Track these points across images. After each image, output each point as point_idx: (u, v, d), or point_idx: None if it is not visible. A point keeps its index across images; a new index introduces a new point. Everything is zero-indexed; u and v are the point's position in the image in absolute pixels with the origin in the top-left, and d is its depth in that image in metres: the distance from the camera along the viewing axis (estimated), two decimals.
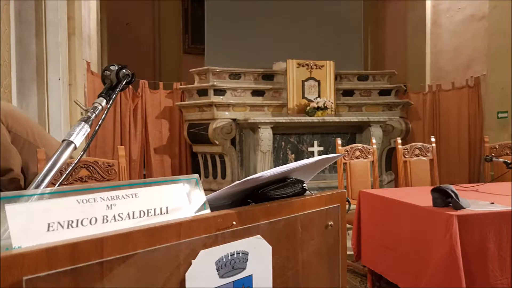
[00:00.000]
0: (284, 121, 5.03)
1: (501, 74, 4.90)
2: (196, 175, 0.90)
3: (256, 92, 5.46)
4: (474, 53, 5.75)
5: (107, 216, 0.73)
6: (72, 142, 0.92)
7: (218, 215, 0.81)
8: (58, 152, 0.90)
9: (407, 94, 6.17)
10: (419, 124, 6.13)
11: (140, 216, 0.77)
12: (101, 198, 0.74)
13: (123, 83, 1.06)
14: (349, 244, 2.56)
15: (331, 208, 1.07)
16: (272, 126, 4.92)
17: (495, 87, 5.04)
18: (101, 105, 1.02)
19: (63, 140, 0.93)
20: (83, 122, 0.96)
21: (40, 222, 0.65)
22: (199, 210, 0.85)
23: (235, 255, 0.83)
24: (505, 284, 1.90)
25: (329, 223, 1.06)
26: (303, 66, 5.40)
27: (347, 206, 1.11)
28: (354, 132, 5.49)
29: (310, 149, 5.23)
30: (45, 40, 3.35)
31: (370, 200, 2.65)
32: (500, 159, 2.98)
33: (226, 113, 5.19)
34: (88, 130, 0.97)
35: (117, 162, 2.14)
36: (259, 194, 0.94)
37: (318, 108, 5.16)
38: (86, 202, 0.72)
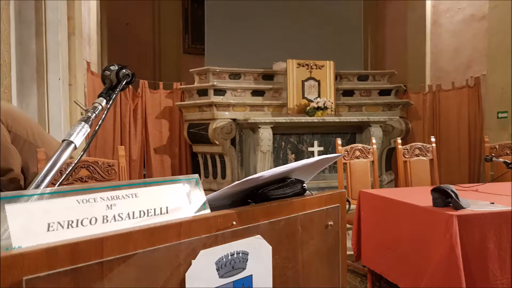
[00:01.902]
0: (284, 121, 5.03)
1: (501, 74, 4.90)
2: (196, 175, 0.90)
3: (256, 92, 5.46)
4: (474, 53, 5.75)
5: (107, 216, 0.73)
6: (72, 142, 0.92)
7: (218, 215, 0.81)
8: (58, 152, 0.90)
9: (407, 94, 6.17)
10: (419, 124, 6.13)
11: (140, 216, 0.77)
12: (101, 198, 0.74)
13: (123, 83, 1.06)
14: (349, 244, 2.56)
15: (331, 208, 1.07)
16: (272, 126, 4.92)
17: (495, 87, 5.04)
18: (101, 105, 1.02)
19: (63, 140, 0.92)
20: (83, 122, 0.96)
21: (40, 222, 0.65)
22: (199, 210, 0.85)
23: (235, 255, 0.83)
24: (505, 284, 1.90)
25: (329, 223, 1.06)
26: (303, 66, 5.41)
27: (347, 206, 1.11)
28: (354, 132, 5.49)
29: (310, 149, 5.23)
30: (45, 40, 3.35)
31: (370, 200, 2.65)
32: (500, 159, 2.97)
33: (226, 113, 5.19)
34: (88, 130, 0.97)
35: (117, 162, 2.14)
36: (259, 194, 0.94)
37: (318, 108, 5.16)
38: (86, 202, 0.72)
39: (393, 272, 2.34)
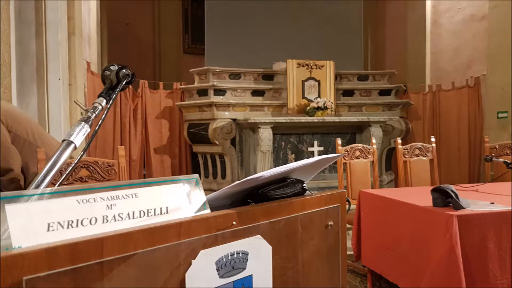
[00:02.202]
0: (284, 121, 5.03)
1: (501, 74, 4.90)
2: (196, 175, 0.90)
3: (256, 92, 5.46)
4: (474, 53, 5.75)
5: (107, 216, 0.73)
6: (72, 142, 0.92)
7: (218, 215, 0.81)
8: (58, 152, 0.90)
9: (407, 94, 6.17)
10: (419, 124, 6.13)
11: (140, 216, 0.77)
12: (101, 198, 0.73)
13: (123, 83, 1.06)
14: (349, 244, 2.56)
15: (331, 208, 1.07)
16: (272, 126, 4.92)
17: (495, 87, 5.04)
18: (101, 105, 1.02)
19: (63, 140, 0.92)
20: (83, 122, 0.96)
21: (40, 222, 0.65)
22: (199, 210, 0.85)
23: (235, 255, 0.83)
24: (505, 284, 1.90)
25: (329, 223, 1.06)
26: (303, 66, 5.41)
27: (347, 206, 1.11)
28: (354, 132, 5.49)
29: (310, 149, 5.23)
30: (45, 40, 3.35)
31: (370, 200, 2.65)
32: (500, 159, 2.97)
33: (226, 113, 5.19)
34: (88, 130, 0.97)
35: (117, 162, 2.14)
36: (259, 194, 0.94)
37: (318, 108, 5.16)
38: (86, 202, 0.72)
39: (393, 272, 2.34)
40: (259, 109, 5.36)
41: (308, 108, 5.20)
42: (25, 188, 1.80)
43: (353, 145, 3.44)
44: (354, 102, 5.76)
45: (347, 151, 3.36)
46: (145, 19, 7.74)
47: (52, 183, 0.89)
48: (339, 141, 3.40)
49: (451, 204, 1.99)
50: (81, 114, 2.88)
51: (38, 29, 3.32)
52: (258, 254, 0.88)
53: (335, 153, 3.67)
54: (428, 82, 6.26)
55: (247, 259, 0.85)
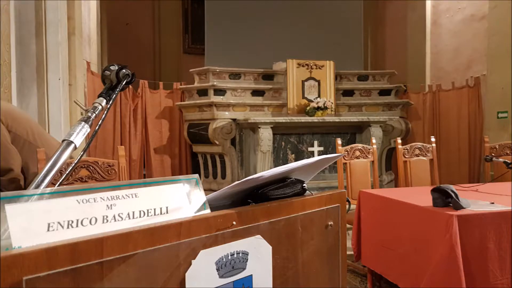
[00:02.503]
0: (284, 121, 5.03)
1: (501, 74, 4.90)
2: (196, 175, 0.90)
3: (256, 92, 5.46)
4: (474, 53, 5.75)
5: (107, 216, 0.73)
6: (72, 142, 0.92)
7: (218, 215, 0.81)
8: (58, 152, 0.90)
9: (407, 94, 6.17)
10: (419, 124, 6.13)
11: (140, 216, 0.77)
12: (101, 198, 0.73)
13: (123, 83, 1.06)
14: (349, 244, 2.56)
15: (331, 208, 1.07)
16: (272, 126, 4.92)
17: (495, 87, 5.04)
18: (101, 105, 1.02)
19: (63, 140, 0.92)
20: (83, 122, 0.96)
21: (40, 222, 0.65)
22: (199, 210, 0.85)
23: (235, 255, 0.83)
24: (505, 284, 1.90)
25: (329, 223, 1.06)
26: (303, 66, 5.41)
27: (347, 206, 1.11)
28: (354, 132, 5.49)
29: (310, 149, 5.23)
30: (45, 40, 3.35)
31: (370, 200, 2.65)
32: (500, 159, 2.97)
33: (226, 113, 5.19)
34: (88, 130, 0.97)
35: (117, 162, 2.14)
36: (259, 194, 0.94)
37: (318, 108, 5.16)
38: (86, 202, 0.72)
39: (393, 272, 2.34)
40: (259, 109, 5.36)
41: (308, 108, 5.20)
42: (25, 188, 1.80)
43: (353, 145, 3.44)
44: (354, 102, 5.76)
45: (347, 151, 3.36)
46: (145, 19, 7.74)
47: (52, 183, 0.89)
48: (339, 141, 3.40)
49: (451, 204, 1.99)
50: (81, 114, 2.88)
51: (38, 29, 3.32)
52: (258, 254, 0.88)
53: (335, 153, 3.67)
54: (428, 82, 6.26)
55: (247, 259, 0.85)
